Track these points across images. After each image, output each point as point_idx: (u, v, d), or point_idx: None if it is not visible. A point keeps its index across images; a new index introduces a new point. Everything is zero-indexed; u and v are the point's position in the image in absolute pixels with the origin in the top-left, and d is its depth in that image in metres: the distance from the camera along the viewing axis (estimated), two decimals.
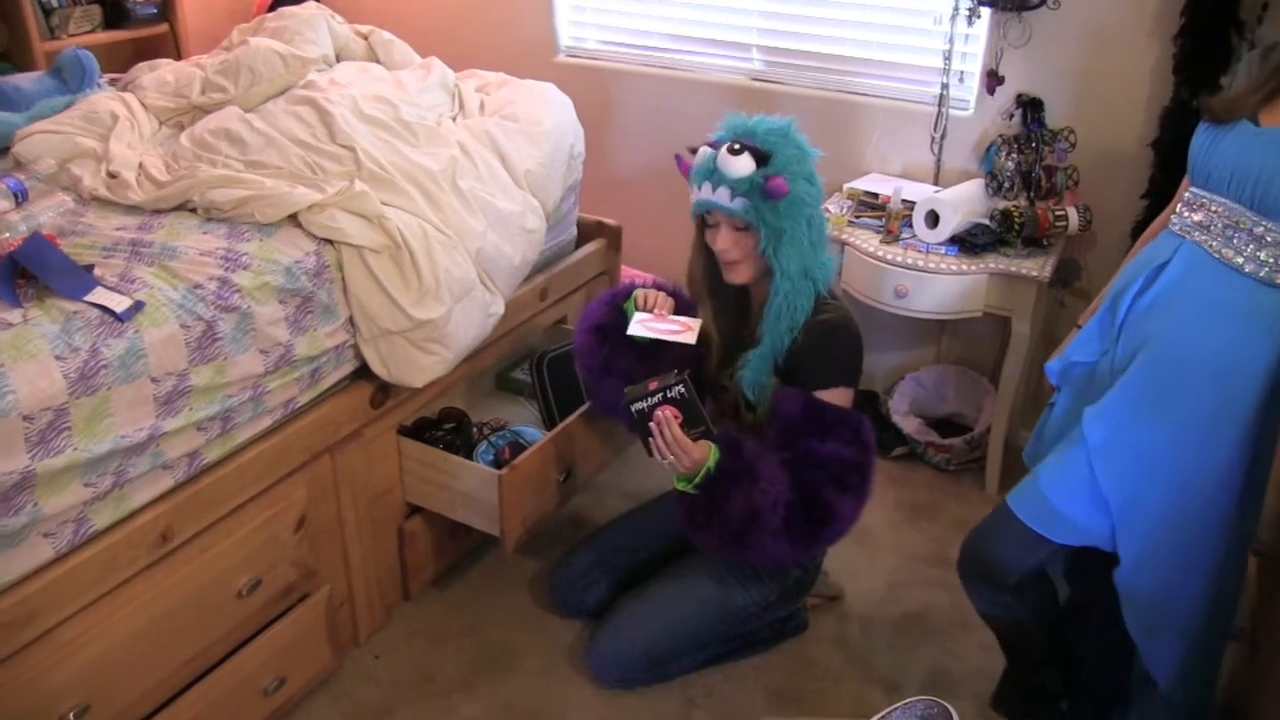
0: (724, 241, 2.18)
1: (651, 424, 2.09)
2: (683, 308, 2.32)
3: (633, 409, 2.08)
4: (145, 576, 1.90)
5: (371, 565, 2.49)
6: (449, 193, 2.38)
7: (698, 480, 2.11)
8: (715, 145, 2.15)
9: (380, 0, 3.96)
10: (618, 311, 2.36)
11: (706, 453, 2.10)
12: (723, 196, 2.13)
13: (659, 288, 2.36)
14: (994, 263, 2.84)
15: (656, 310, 2.26)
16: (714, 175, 2.13)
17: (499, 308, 2.51)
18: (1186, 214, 1.86)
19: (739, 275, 2.24)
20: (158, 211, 2.23)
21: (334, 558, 2.37)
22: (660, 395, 2.06)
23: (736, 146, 2.11)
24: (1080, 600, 2.28)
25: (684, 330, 2.20)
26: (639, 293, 2.31)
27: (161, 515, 1.91)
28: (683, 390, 2.06)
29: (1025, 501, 1.97)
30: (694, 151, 2.22)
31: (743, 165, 2.09)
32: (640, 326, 2.21)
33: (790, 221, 2.13)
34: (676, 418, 2.08)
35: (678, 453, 2.09)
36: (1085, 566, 2.17)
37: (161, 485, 1.92)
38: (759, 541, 2.10)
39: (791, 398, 2.15)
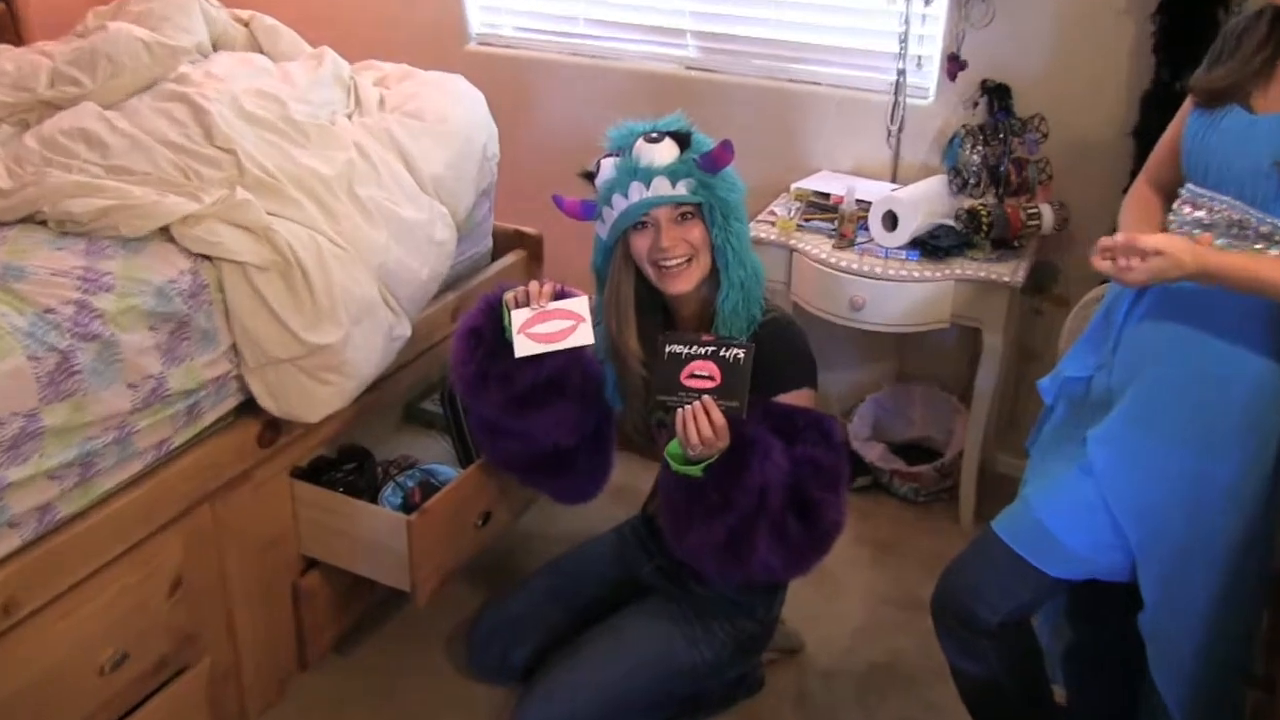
0: (667, 239, 2.15)
1: (689, 407, 2.02)
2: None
3: (669, 349, 2.01)
4: None
5: (261, 630, 2.46)
6: (345, 201, 2.38)
7: (709, 462, 2.05)
8: (616, 154, 2.19)
9: None
10: (493, 312, 2.28)
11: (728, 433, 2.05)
12: (662, 187, 2.12)
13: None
14: (960, 268, 2.86)
15: (536, 303, 2.18)
16: (640, 172, 2.13)
17: (405, 330, 2.50)
18: (1186, 211, 1.86)
19: (684, 281, 2.19)
20: None
21: (216, 623, 2.34)
22: (710, 350, 2.00)
23: (654, 135, 2.14)
24: (1080, 647, 2.27)
25: (574, 324, 2.16)
26: (509, 295, 2.23)
27: (4, 582, 1.85)
28: (740, 355, 2.00)
29: (1015, 527, 1.96)
30: (590, 176, 2.23)
31: (669, 150, 2.13)
32: (526, 342, 2.15)
33: (735, 194, 2.17)
34: (714, 379, 2.01)
35: (713, 439, 2.01)
36: (1092, 610, 2.17)
37: (5, 546, 1.87)
38: (757, 542, 2.05)
39: (752, 408, 2.12)
